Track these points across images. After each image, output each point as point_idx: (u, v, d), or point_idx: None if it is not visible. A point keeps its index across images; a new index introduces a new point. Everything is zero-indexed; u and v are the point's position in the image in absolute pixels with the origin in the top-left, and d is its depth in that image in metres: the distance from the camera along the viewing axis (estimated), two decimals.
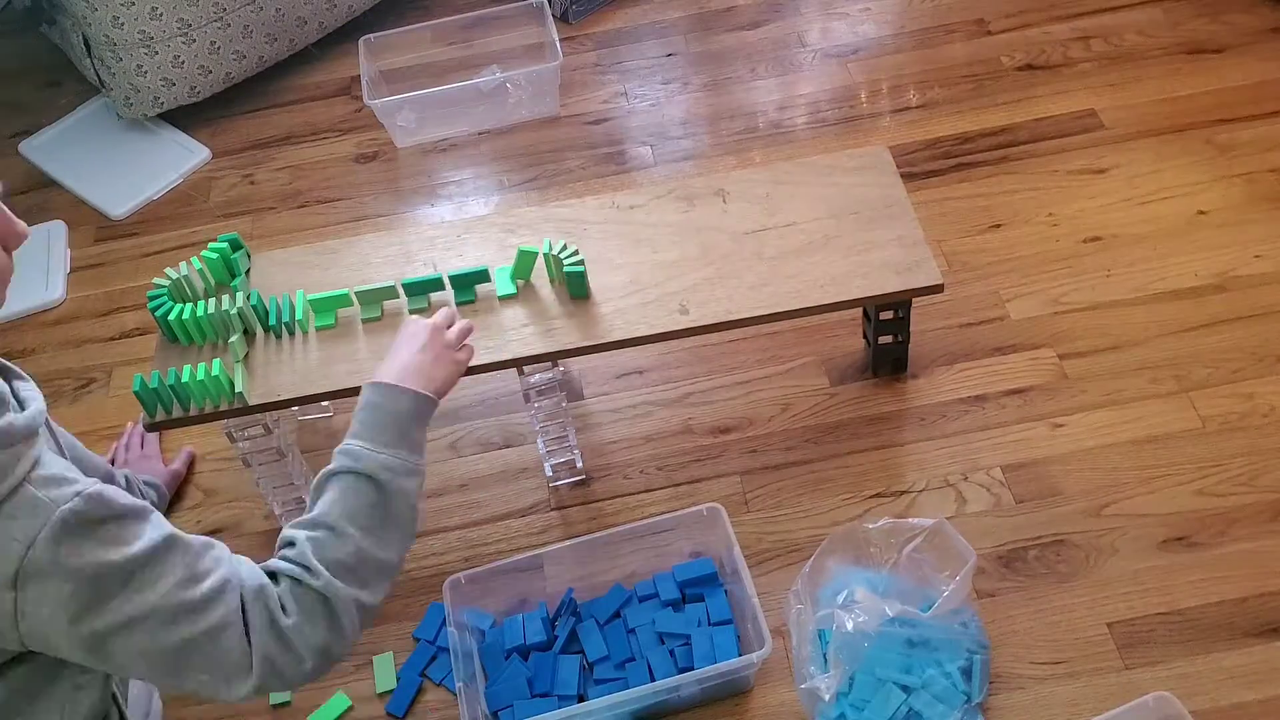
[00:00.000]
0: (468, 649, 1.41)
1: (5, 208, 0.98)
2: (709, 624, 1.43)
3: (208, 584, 1.00)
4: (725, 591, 1.46)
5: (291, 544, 1.08)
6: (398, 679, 1.45)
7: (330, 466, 1.14)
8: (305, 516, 1.11)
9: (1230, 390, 1.60)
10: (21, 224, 1.00)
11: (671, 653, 1.41)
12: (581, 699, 1.39)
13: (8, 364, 1.05)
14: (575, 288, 1.47)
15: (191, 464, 1.71)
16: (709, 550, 1.50)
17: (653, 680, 1.37)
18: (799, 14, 2.35)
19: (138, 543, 0.97)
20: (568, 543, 1.47)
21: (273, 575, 1.06)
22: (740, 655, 1.38)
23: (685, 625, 1.43)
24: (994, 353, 1.69)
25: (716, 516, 1.46)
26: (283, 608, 1.04)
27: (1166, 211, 1.84)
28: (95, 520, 0.94)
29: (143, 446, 1.70)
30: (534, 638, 1.43)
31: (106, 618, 0.95)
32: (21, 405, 0.99)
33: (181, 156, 2.24)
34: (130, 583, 0.96)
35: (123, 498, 0.97)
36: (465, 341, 1.35)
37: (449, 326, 1.33)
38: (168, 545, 0.99)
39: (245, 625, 1.01)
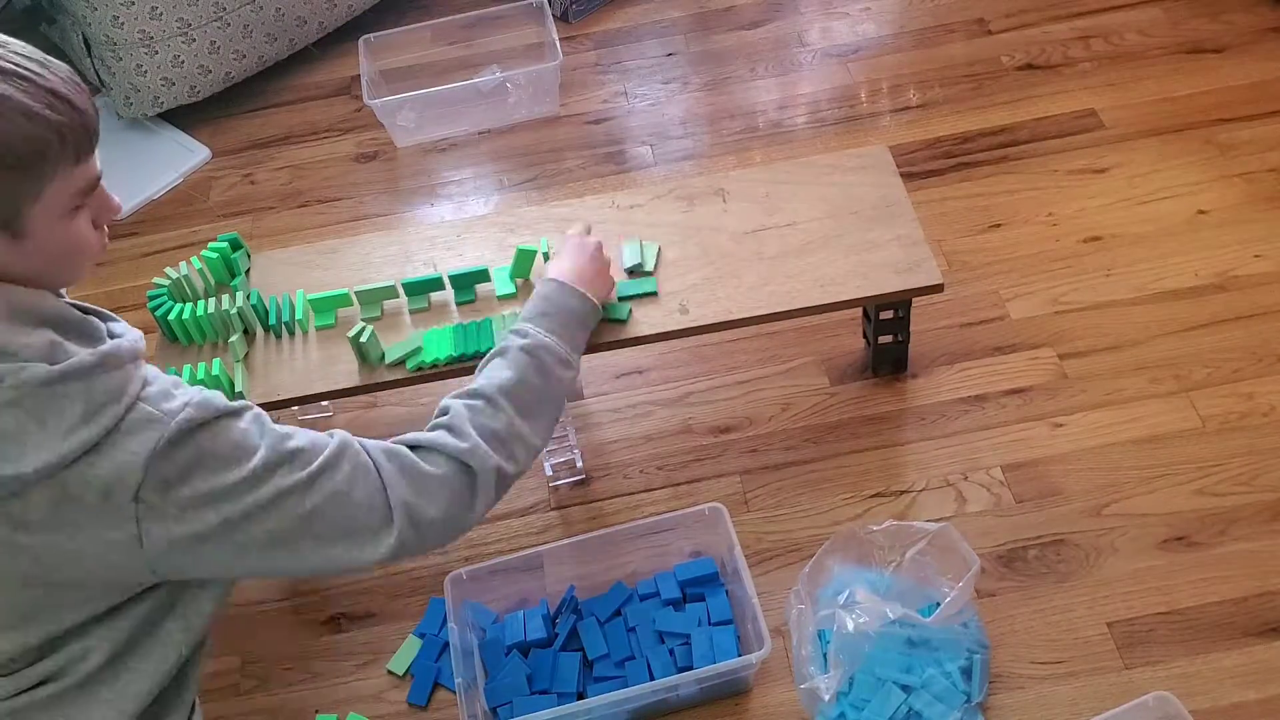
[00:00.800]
0: (468, 646, 1.41)
1: (103, 185, 1.01)
2: (709, 624, 1.43)
3: (328, 451, 1.06)
4: (726, 591, 1.46)
5: (446, 411, 1.16)
6: (411, 674, 1.46)
7: (498, 345, 1.24)
8: (465, 388, 1.18)
9: (1230, 390, 1.60)
10: (115, 200, 1.03)
11: (671, 652, 1.41)
12: (581, 697, 1.39)
13: (97, 308, 1.07)
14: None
15: None
16: (710, 550, 1.50)
17: (652, 679, 1.37)
18: (799, 13, 2.35)
19: (251, 431, 1.02)
20: (569, 540, 1.48)
21: (415, 447, 1.12)
22: (740, 655, 1.38)
23: (685, 625, 1.43)
24: (994, 352, 1.69)
25: (718, 516, 1.46)
26: (424, 462, 1.10)
27: (1166, 211, 1.84)
28: (208, 422, 0.99)
29: None
30: (534, 635, 1.43)
31: (237, 504, 0.99)
32: (116, 337, 1.03)
33: (181, 156, 2.24)
34: (251, 466, 1.00)
35: (224, 399, 1.02)
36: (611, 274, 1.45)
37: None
38: (279, 429, 1.05)
39: (380, 479, 1.07)
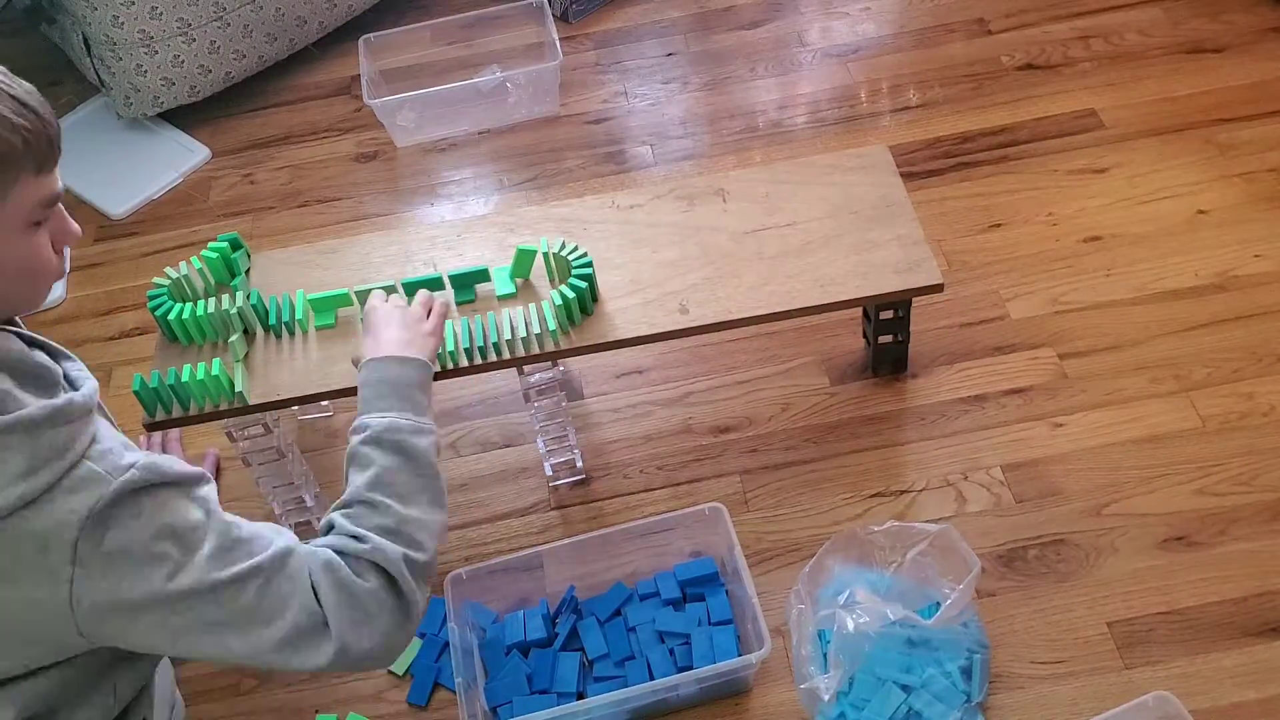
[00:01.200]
0: (468, 645, 1.41)
1: (62, 208, 1.00)
2: (709, 623, 1.43)
3: (274, 549, 1.02)
4: (725, 591, 1.46)
5: (331, 526, 1.11)
6: (411, 674, 1.45)
7: (347, 450, 1.18)
8: (337, 501, 1.14)
9: (1230, 390, 1.60)
10: (74, 225, 1.03)
11: (671, 652, 1.41)
12: (581, 696, 1.39)
13: (55, 345, 1.06)
14: (584, 302, 1.46)
15: (219, 468, 1.70)
16: (710, 550, 1.50)
17: (652, 679, 1.37)
18: (799, 13, 2.35)
19: (196, 507, 0.99)
20: (569, 540, 1.48)
21: (341, 553, 1.08)
22: (740, 655, 1.38)
23: (685, 624, 1.43)
24: (994, 352, 1.69)
25: (718, 516, 1.46)
26: (355, 575, 1.05)
27: (1166, 211, 1.84)
28: (153, 486, 0.96)
29: (164, 448, 1.69)
30: (534, 634, 1.43)
31: (171, 582, 0.96)
32: (73, 385, 1.01)
33: (181, 156, 2.24)
34: (192, 545, 0.98)
35: (177, 465, 1.00)
36: (437, 323, 1.39)
37: (427, 313, 1.38)
38: (226, 516, 1.02)
39: (314, 587, 1.03)
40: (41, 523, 0.91)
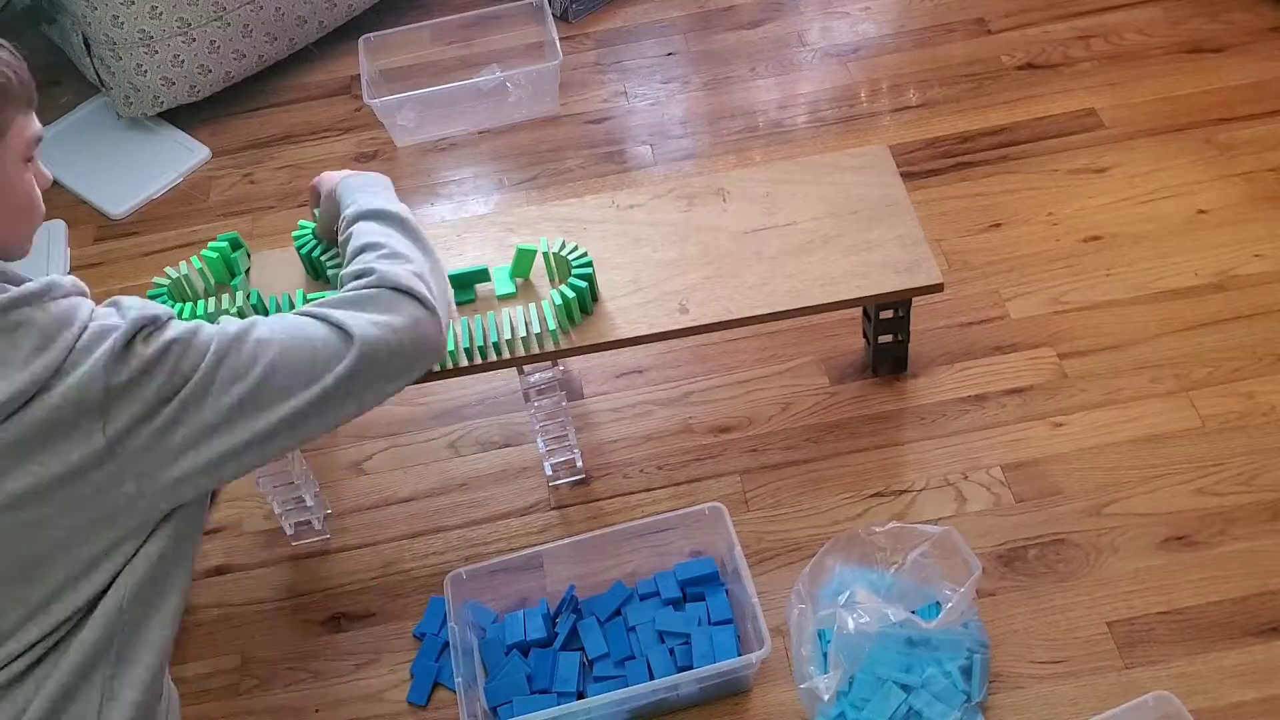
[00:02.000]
0: (468, 645, 1.41)
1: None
2: (709, 623, 1.43)
3: (271, 319, 1.12)
4: (725, 591, 1.46)
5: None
6: (412, 674, 1.45)
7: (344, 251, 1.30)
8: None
9: (1230, 390, 1.60)
10: (46, 170, 1.11)
11: (671, 651, 1.41)
12: (581, 696, 1.39)
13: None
14: (584, 302, 1.46)
15: None
16: (710, 549, 1.50)
17: (652, 679, 1.37)
18: (799, 13, 2.35)
19: (203, 325, 1.08)
20: (569, 540, 1.48)
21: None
22: (740, 655, 1.38)
23: (685, 624, 1.43)
24: (994, 352, 1.69)
25: (718, 515, 1.46)
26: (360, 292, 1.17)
27: (1166, 211, 1.84)
28: (161, 321, 1.05)
29: None
30: (534, 634, 1.43)
31: (197, 375, 1.04)
32: None
33: (181, 155, 2.24)
34: (202, 348, 1.05)
35: (164, 308, 1.08)
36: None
37: None
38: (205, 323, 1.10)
39: (323, 310, 1.14)
40: (74, 385, 0.97)
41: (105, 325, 1.01)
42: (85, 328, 1.01)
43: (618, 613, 1.46)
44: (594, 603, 1.47)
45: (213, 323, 1.11)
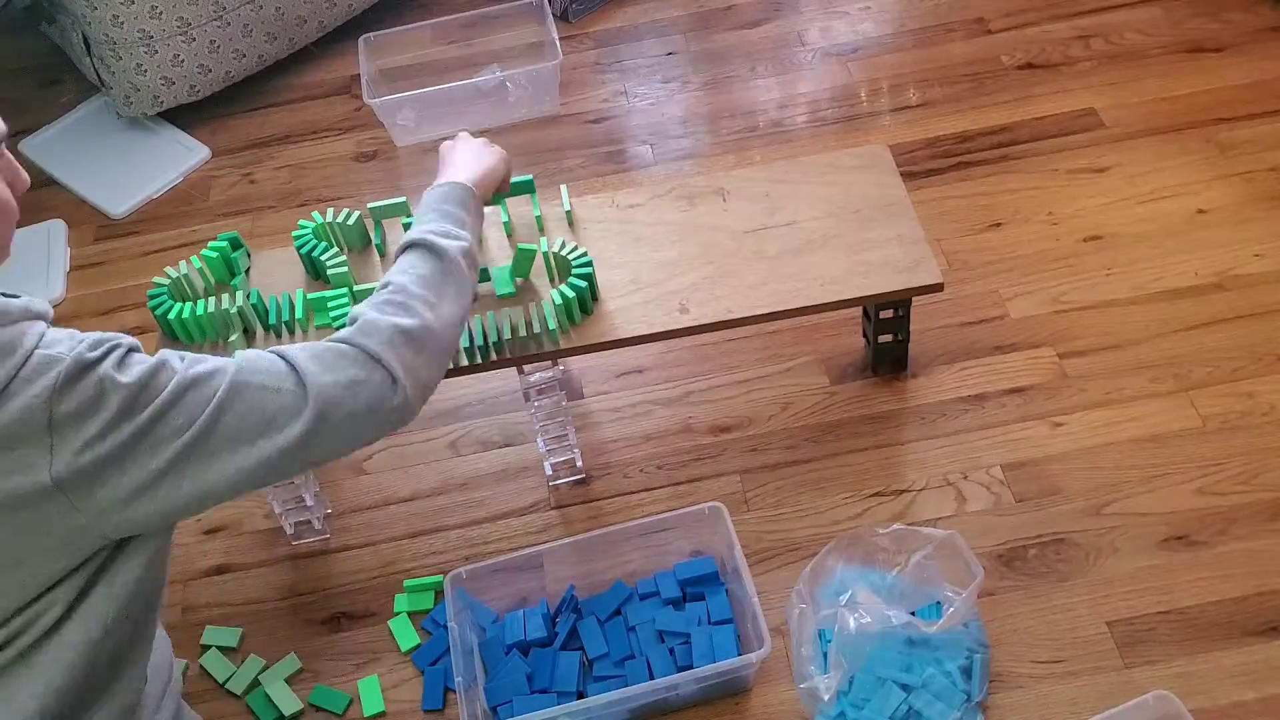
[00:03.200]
0: (468, 645, 1.41)
1: (6, 151, 1.02)
2: (709, 623, 1.43)
3: (233, 362, 1.05)
4: (725, 591, 1.46)
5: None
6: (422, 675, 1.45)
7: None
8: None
9: (1230, 389, 1.60)
10: (24, 172, 1.05)
11: (671, 651, 1.41)
12: (581, 696, 1.39)
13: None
14: (584, 302, 1.46)
15: None
16: (710, 549, 1.50)
17: (652, 679, 1.37)
18: (799, 13, 2.35)
19: (151, 360, 1.02)
20: (569, 540, 1.48)
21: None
22: (740, 655, 1.38)
23: (685, 624, 1.43)
24: (994, 351, 1.69)
25: (718, 515, 1.46)
26: (329, 345, 1.10)
27: (1166, 210, 1.84)
28: (110, 351, 0.99)
29: None
30: (534, 634, 1.43)
31: (144, 413, 0.98)
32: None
33: (181, 155, 2.23)
34: (155, 389, 1.00)
35: (126, 336, 1.03)
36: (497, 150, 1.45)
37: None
38: (169, 356, 1.04)
39: (285, 360, 1.06)
40: (8, 417, 0.93)
41: (51, 355, 0.96)
42: (29, 356, 0.96)
43: (618, 612, 1.46)
44: (594, 602, 1.47)
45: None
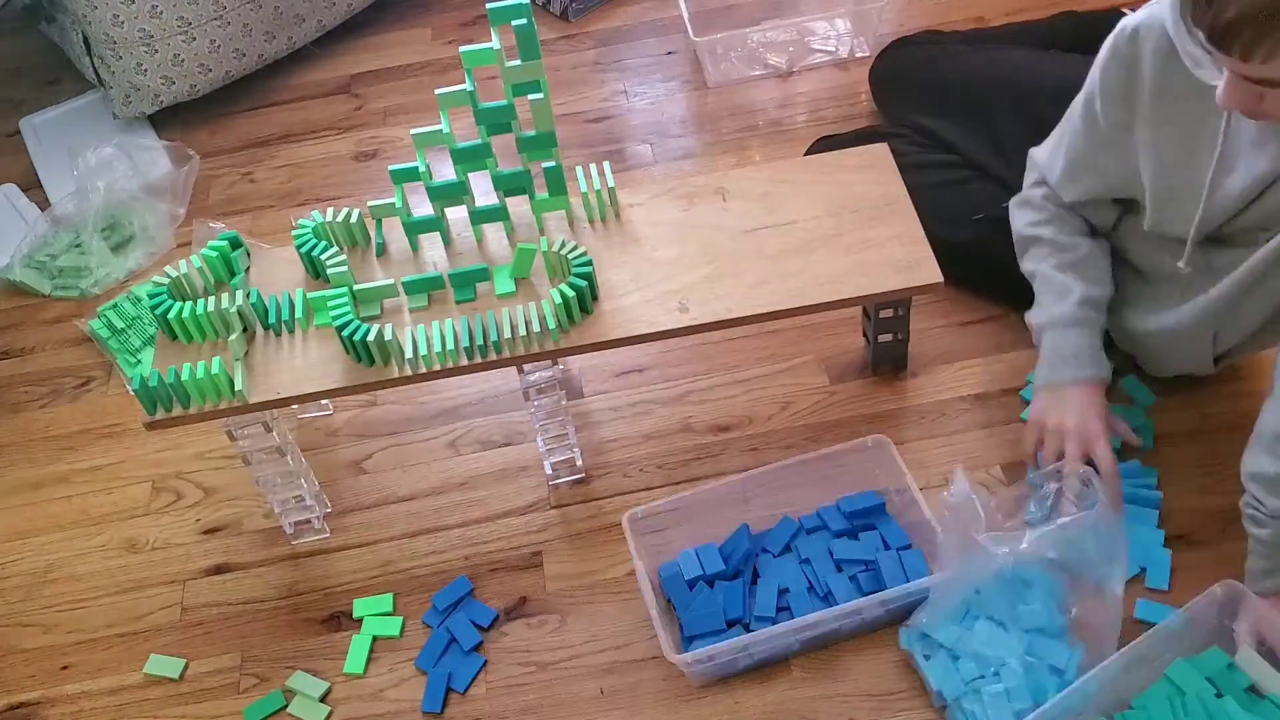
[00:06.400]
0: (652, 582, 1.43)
1: None
2: (889, 549, 1.44)
3: None
4: (895, 522, 1.48)
5: None
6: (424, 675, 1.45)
7: None
8: None
9: (1230, 389, 1.60)
10: None
11: (852, 578, 1.42)
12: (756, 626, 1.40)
13: None
14: (584, 301, 1.46)
15: None
16: (872, 484, 1.51)
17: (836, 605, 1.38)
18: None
19: None
20: (723, 481, 1.49)
21: None
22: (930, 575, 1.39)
23: (864, 552, 1.44)
24: (994, 351, 1.69)
25: (882, 447, 1.48)
26: None
27: None
28: None
29: None
30: (712, 569, 1.45)
31: None
32: None
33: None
34: None
35: None
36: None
37: None
38: None
39: None
40: None
41: None
42: None
43: (788, 548, 1.48)
44: (763, 538, 1.49)
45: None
